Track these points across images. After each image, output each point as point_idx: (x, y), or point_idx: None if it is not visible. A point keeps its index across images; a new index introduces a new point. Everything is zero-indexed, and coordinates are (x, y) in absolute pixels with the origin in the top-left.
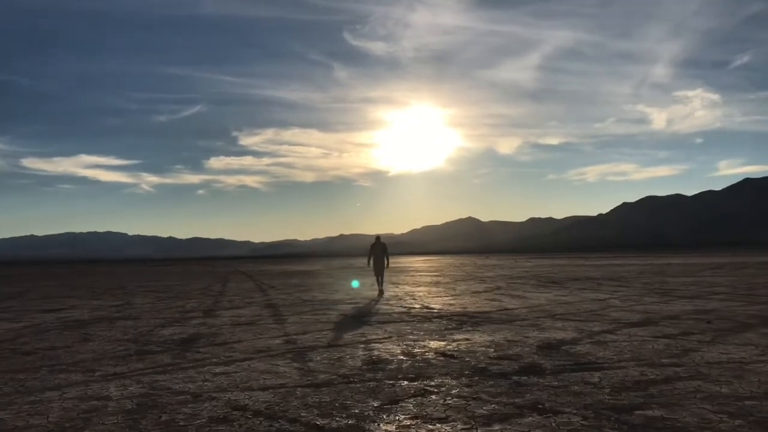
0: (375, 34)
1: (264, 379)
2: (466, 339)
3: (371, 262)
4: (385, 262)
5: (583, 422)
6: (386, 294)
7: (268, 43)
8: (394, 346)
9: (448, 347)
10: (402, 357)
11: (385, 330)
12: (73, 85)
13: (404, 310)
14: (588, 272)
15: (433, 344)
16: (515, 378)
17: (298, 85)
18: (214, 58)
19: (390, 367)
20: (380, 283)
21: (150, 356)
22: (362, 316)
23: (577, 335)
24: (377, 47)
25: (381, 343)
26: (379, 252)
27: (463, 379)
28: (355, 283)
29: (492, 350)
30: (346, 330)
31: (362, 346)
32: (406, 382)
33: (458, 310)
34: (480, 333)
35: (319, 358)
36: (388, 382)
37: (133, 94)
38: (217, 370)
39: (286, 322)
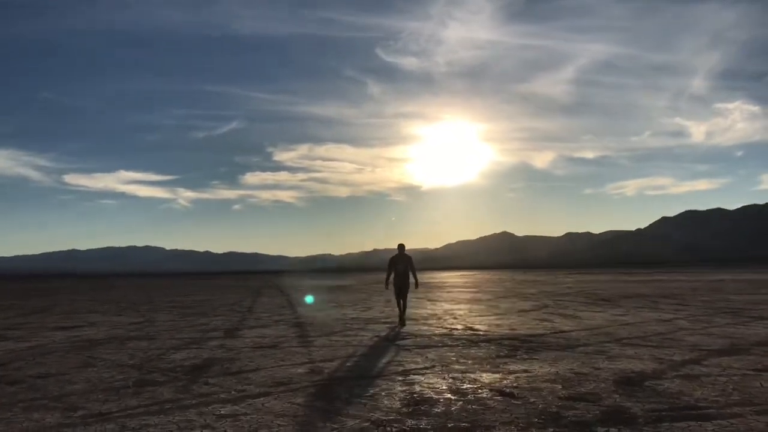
0: (407, 50)
1: (279, 425)
2: (525, 371)
3: (390, 280)
4: (411, 279)
5: None
6: (424, 312)
7: (301, 60)
8: (439, 380)
9: (505, 382)
10: (450, 395)
11: (426, 357)
12: (112, 102)
13: (445, 331)
14: (637, 289)
15: (486, 377)
16: (601, 431)
17: (332, 101)
18: (249, 76)
19: (436, 410)
20: (402, 309)
21: (149, 389)
22: (398, 338)
23: (657, 366)
24: (410, 63)
25: (422, 374)
26: (402, 267)
27: (534, 431)
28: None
29: (560, 387)
30: (380, 356)
31: (400, 378)
32: None
33: (507, 332)
34: (539, 362)
35: (347, 395)
36: None
37: (171, 110)
38: (223, 411)
39: (313, 345)
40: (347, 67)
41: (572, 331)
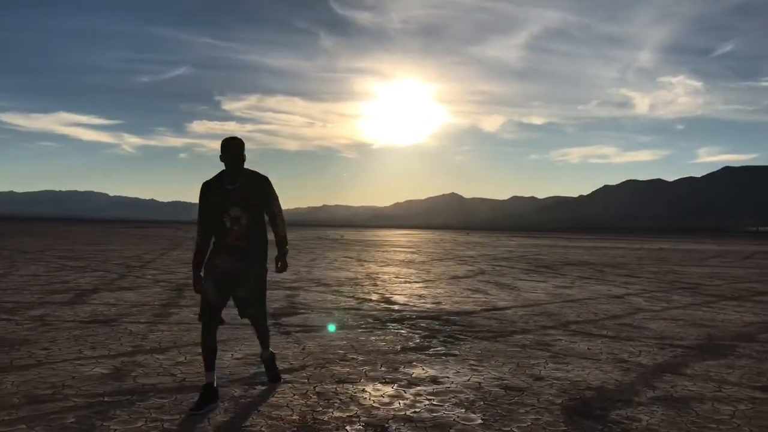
0: (362, 4)
1: None
2: (433, 380)
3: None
4: (264, 245)
5: None
6: (342, 276)
7: (253, 8)
8: (296, 398)
9: (396, 406)
10: None
11: (304, 348)
12: (52, 39)
13: (354, 304)
14: (580, 255)
15: (370, 394)
16: None
17: (284, 52)
18: (199, 21)
19: None
20: (261, 342)
21: None
22: (288, 311)
23: (623, 377)
24: (364, 17)
25: (277, 384)
26: (241, 215)
27: None
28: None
29: (479, 420)
30: (239, 345)
31: (236, 393)
32: None
33: (429, 306)
34: (457, 363)
35: None
36: None
37: (115, 53)
38: None
39: (169, 319)
40: (300, 18)
41: (508, 308)
